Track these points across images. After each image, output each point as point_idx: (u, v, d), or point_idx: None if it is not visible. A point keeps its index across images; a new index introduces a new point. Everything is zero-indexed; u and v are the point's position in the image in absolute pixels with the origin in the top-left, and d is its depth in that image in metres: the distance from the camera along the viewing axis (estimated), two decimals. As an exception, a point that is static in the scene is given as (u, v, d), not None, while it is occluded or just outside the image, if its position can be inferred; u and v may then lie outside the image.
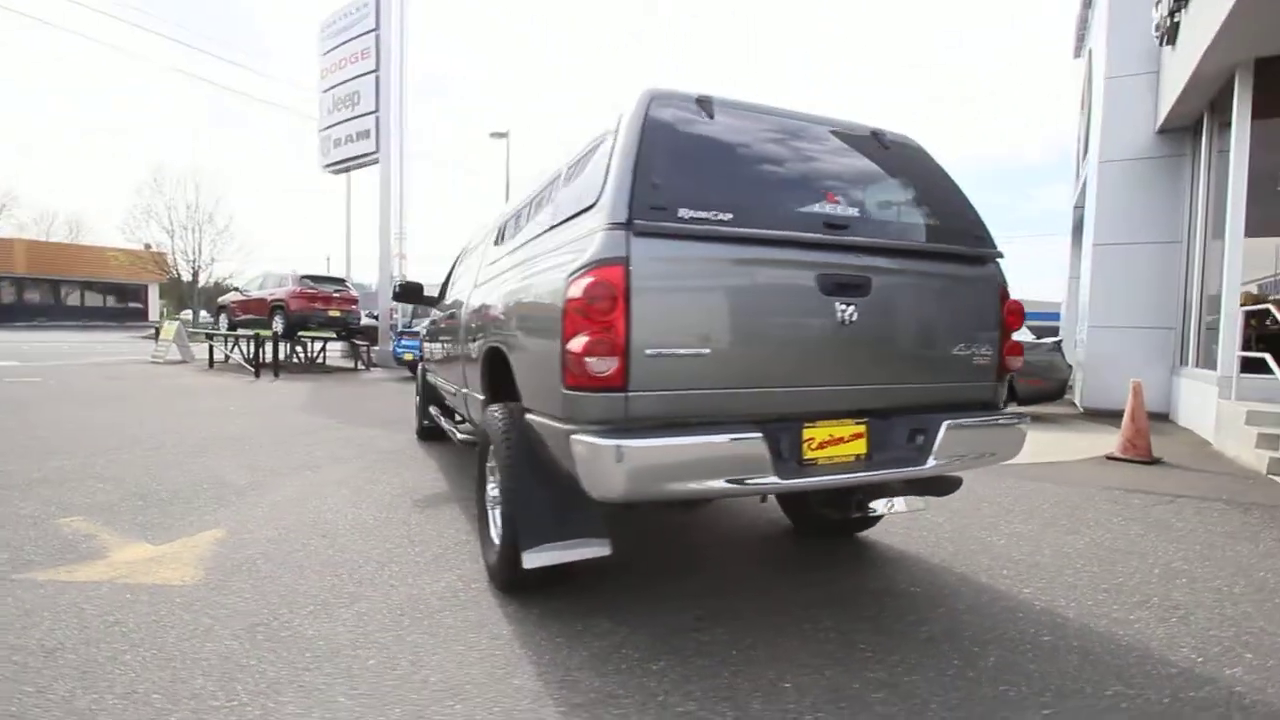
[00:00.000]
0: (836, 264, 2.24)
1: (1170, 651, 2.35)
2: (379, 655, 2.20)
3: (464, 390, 3.80)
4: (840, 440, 2.24)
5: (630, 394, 1.94)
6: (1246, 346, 6.18)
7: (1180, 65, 6.94)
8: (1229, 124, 6.70)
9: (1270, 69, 6.05)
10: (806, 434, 2.17)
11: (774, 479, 2.04)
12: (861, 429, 2.28)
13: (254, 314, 14.95)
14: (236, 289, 16.85)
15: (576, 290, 1.94)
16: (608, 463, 1.87)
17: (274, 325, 14.02)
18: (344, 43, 17.26)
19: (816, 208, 2.28)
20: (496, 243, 3.62)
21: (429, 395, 5.90)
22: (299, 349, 14.99)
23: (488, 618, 2.49)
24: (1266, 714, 1.98)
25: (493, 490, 2.79)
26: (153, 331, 16.14)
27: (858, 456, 2.27)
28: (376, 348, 16.43)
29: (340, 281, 15.70)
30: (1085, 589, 2.90)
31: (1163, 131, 8.14)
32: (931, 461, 2.31)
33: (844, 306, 2.20)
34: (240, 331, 15.46)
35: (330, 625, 2.40)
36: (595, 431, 1.92)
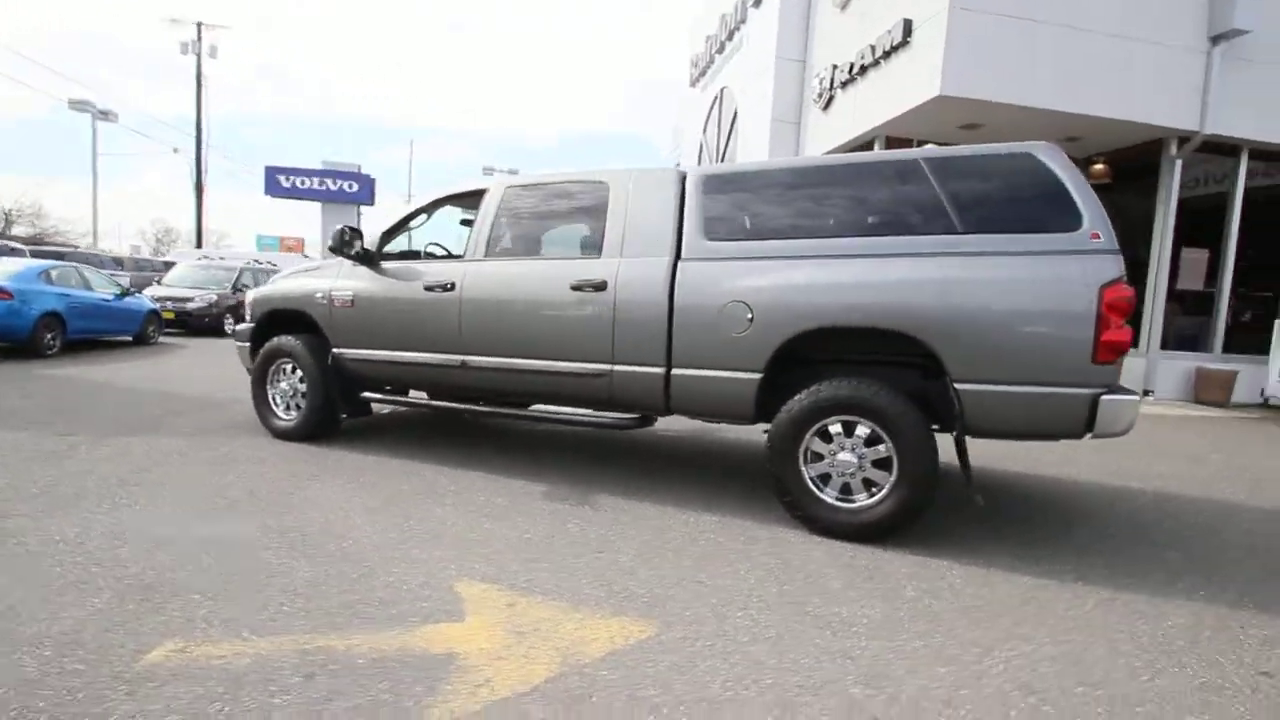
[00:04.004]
0: None
1: (1187, 490, 4.09)
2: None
3: (639, 369, 3.48)
4: None
5: (1118, 367, 2.79)
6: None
7: (837, 127, 10.30)
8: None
9: (896, 143, 9.77)
10: None
11: None
12: None
13: None
14: None
15: (1114, 296, 2.65)
16: (1128, 411, 2.71)
17: None
18: None
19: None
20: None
21: (337, 378, 4.47)
22: None
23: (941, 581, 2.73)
24: (1258, 512, 3.69)
25: (848, 456, 3.01)
26: None
27: None
28: None
29: None
30: (1099, 468, 4.49)
31: (806, 168, 11.80)
32: None
33: None
34: None
35: (852, 608, 2.40)
36: (1107, 392, 2.70)
